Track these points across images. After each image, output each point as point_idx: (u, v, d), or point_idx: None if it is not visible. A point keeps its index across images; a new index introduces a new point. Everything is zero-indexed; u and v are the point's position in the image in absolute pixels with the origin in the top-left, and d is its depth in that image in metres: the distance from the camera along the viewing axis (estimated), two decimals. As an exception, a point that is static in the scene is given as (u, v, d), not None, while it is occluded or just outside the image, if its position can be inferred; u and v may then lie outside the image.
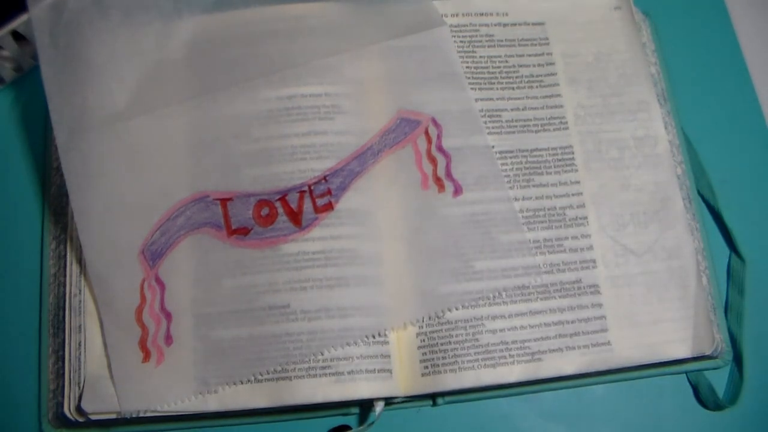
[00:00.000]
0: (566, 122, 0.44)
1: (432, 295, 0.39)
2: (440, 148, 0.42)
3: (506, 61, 0.45)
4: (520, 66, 0.45)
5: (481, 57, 0.45)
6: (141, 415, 0.37)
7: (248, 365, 0.38)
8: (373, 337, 0.39)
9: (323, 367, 0.38)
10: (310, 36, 0.43)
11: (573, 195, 0.42)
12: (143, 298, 0.38)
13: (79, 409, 0.37)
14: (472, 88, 0.43)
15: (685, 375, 0.43)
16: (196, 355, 0.38)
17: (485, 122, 0.43)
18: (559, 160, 0.43)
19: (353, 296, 0.39)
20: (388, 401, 0.39)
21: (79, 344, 0.38)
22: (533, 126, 0.43)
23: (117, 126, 0.40)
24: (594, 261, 0.41)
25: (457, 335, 0.39)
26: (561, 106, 0.44)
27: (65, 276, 0.40)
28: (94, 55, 0.41)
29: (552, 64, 0.45)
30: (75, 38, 0.40)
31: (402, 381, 0.39)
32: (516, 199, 0.42)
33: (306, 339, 0.38)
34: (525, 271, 0.40)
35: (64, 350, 0.39)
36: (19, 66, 0.46)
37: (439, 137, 0.42)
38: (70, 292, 0.39)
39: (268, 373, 0.38)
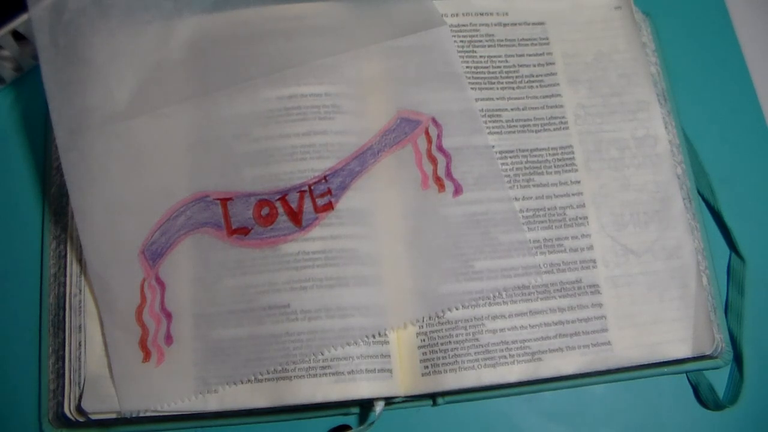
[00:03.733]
0: (566, 122, 0.44)
1: (432, 295, 0.39)
2: (440, 148, 0.42)
3: (506, 61, 0.45)
4: (520, 66, 0.45)
5: (481, 57, 0.45)
6: (141, 414, 0.37)
7: (248, 365, 0.38)
8: (373, 336, 0.39)
9: (323, 367, 0.38)
10: (310, 36, 0.43)
11: (573, 195, 0.42)
12: (143, 297, 0.38)
13: (79, 409, 0.37)
14: (472, 88, 0.43)
15: (685, 375, 0.43)
16: (196, 355, 0.38)
17: (485, 122, 0.43)
18: (559, 159, 0.43)
19: (353, 296, 0.39)
20: (388, 401, 0.39)
21: (80, 344, 0.38)
22: (533, 126, 0.43)
23: (117, 126, 0.40)
24: (594, 261, 0.41)
25: (457, 335, 0.39)
26: (561, 106, 0.44)
27: (65, 276, 0.40)
28: (94, 55, 0.41)
29: (552, 63, 0.45)
30: (75, 38, 0.40)
31: (402, 381, 0.39)
32: (516, 199, 0.42)
33: (306, 339, 0.38)
34: (525, 270, 0.40)
35: (64, 350, 0.39)
36: (19, 66, 0.46)
37: (439, 137, 0.42)
38: (70, 292, 0.39)
39: (268, 373, 0.38)
